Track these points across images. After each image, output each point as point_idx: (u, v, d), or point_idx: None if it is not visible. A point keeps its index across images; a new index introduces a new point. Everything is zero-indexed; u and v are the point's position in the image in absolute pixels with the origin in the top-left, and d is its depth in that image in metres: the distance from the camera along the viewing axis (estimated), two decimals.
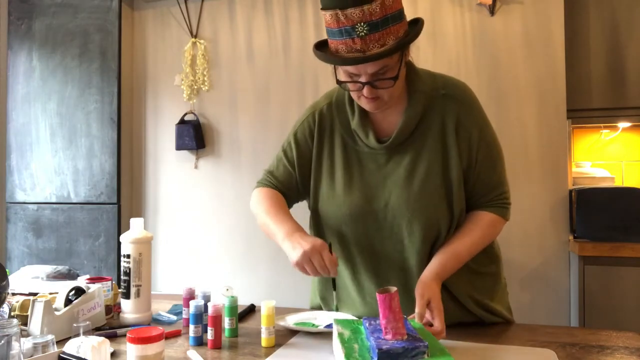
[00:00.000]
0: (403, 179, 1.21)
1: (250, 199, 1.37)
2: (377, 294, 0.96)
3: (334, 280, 1.24)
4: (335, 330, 1.05)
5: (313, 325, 1.24)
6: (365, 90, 1.12)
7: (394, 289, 0.97)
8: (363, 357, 0.91)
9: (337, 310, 1.29)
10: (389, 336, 0.94)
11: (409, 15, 1.13)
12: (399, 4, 1.07)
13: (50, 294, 1.34)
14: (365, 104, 1.17)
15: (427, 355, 0.90)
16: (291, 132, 1.34)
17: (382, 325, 0.96)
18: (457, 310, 1.23)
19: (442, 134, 1.21)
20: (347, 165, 1.26)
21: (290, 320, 1.28)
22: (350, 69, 1.10)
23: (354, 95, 1.18)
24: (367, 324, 1.03)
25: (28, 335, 1.12)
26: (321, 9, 1.09)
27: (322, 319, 1.28)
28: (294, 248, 1.13)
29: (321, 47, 1.15)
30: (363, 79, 1.10)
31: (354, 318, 1.15)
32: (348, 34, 1.04)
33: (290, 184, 1.34)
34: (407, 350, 0.89)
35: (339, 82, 1.15)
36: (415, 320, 1.07)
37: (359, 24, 1.03)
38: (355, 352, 0.94)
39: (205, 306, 1.20)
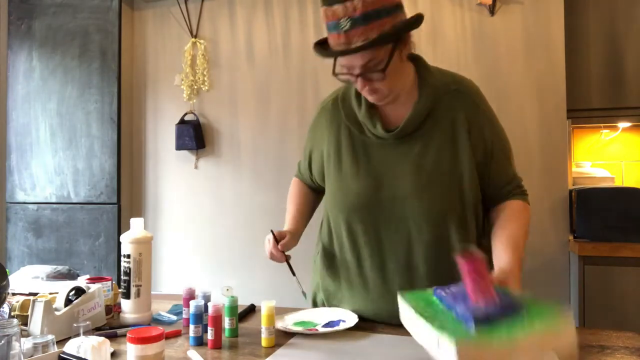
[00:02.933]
0: (411, 170, 1.22)
1: (250, 199, 1.40)
2: (460, 260, 0.88)
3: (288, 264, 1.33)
4: (404, 305, 0.98)
5: (313, 324, 1.24)
6: (358, 82, 1.16)
7: (477, 252, 0.88)
8: (453, 326, 0.83)
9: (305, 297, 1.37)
10: (481, 302, 0.85)
11: (409, 16, 1.14)
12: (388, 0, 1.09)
13: (50, 294, 1.34)
14: (368, 96, 1.21)
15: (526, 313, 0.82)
16: (308, 132, 1.45)
17: (471, 293, 0.87)
18: None
19: (452, 127, 1.23)
20: (354, 154, 1.28)
21: (289, 320, 1.28)
22: (343, 61, 1.15)
23: (357, 87, 1.21)
24: (442, 295, 0.94)
25: (28, 335, 1.12)
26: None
27: (321, 316, 1.29)
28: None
29: (324, 43, 1.19)
30: (356, 71, 1.15)
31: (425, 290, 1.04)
32: (334, 28, 1.10)
33: (308, 177, 1.48)
34: (506, 310, 0.82)
35: (335, 73, 1.19)
36: None
37: (342, 19, 1.08)
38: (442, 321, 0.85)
39: (206, 306, 1.20)
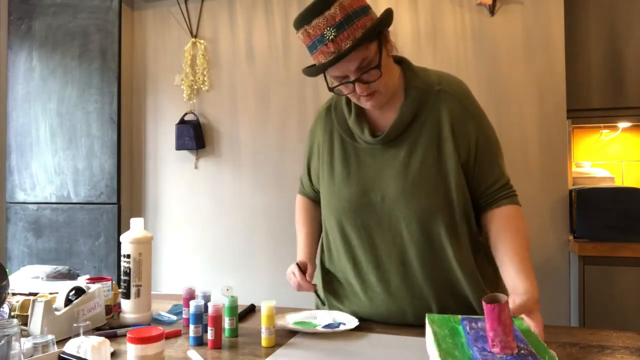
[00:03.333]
0: (398, 172, 1.23)
1: (250, 199, 1.40)
2: (483, 303, 0.87)
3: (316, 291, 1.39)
4: (429, 329, 0.98)
5: (312, 325, 1.24)
6: (357, 88, 1.17)
7: (503, 298, 0.87)
8: None
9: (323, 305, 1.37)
10: (496, 349, 0.84)
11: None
12: (361, 1, 1.13)
13: (50, 294, 1.34)
14: (365, 103, 1.22)
15: None
16: (307, 141, 1.44)
17: (489, 337, 0.86)
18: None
19: (437, 127, 1.23)
20: (346, 160, 1.30)
21: (290, 320, 1.28)
22: (336, 72, 1.16)
23: (353, 98, 1.24)
24: (467, 327, 0.95)
25: (28, 335, 1.12)
26: (296, 32, 1.19)
27: (322, 318, 1.29)
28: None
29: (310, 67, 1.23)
30: (351, 78, 1.16)
31: (454, 316, 1.04)
32: (320, 42, 1.13)
33: (312, 187, 1.48)
34: None
35: (330, 89, 1.21)
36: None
37: (326, 30, 1.11)
38: (456, 357, 0.85)
39: (205, 306, 1.20)
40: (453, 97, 1.24)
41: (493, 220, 1.24)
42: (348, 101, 1.31)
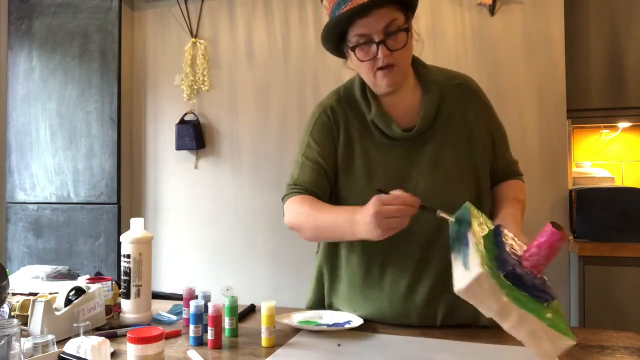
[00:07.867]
0: (428, 169, 1.21)
1: (250, 199, 1.37)
2: (549, 223, 0.86)
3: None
4: (470, 217, 0.97)
5: (318, 324, 1.24)
6: (380, 51, 1.13)
7: (567, 233, 0.87)
8: (490, 264, 0.84)
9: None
10: (526, 263, 0.85)
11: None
12: None
13: (50, 294, 1.34)
14: (382, 80, 1.17)
15: (547, 306, 0.83)
16: (306, 136, 1.31)
17: (528, 251, 0.86)
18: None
19: (464, 122, 1.25)
20: (366, 157, 1.25)
21: (296, 319, 1.28)
22: (362, 29, 1.12)
23: (368, 74, 1.19)
24: (500, 233, 0.95)
25: (28, 335, 1.12)
26: None
27: (327, 318, 1.28)
28: (370, 224, 1.03)
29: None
30: (376, 39, 1.13)
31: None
32: None
33: (321, 184, 1.27)
34: (535, 288, 0.82)
35: (351, 47, 1.16)
36: None
37: None
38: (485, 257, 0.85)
39: (206, 306, 1.20)
40: (473, 92, 1.28)
41: (495, 189, 1.31)
42: (363, 93, 1.26)
